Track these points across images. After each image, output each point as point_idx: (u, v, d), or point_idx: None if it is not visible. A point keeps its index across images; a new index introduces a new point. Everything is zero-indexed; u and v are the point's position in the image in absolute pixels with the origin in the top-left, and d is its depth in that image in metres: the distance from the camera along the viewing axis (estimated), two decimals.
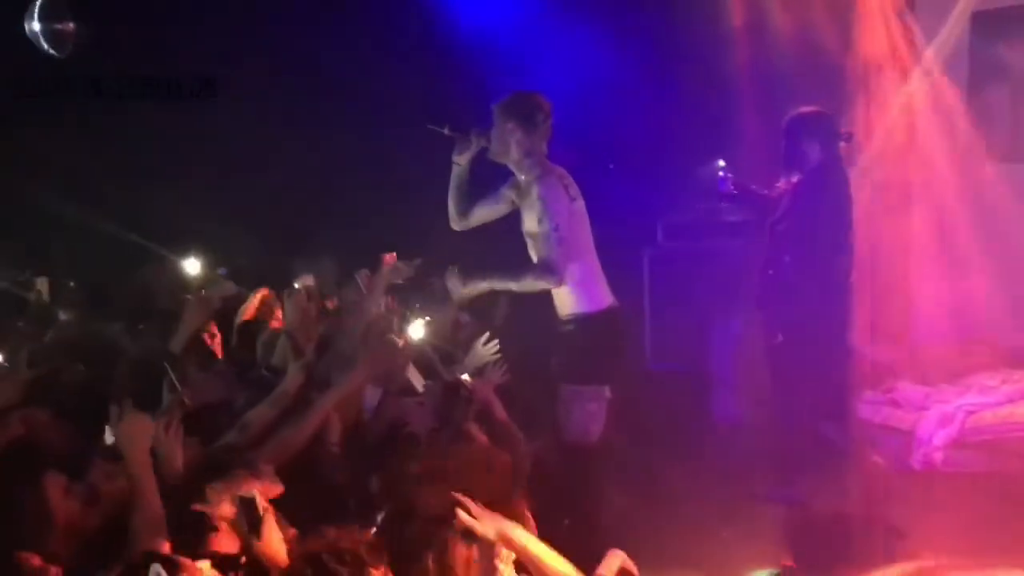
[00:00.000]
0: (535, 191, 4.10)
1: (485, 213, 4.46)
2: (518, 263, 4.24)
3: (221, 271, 5.51)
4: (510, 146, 4.20)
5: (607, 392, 4.29)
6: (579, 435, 4.23)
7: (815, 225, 5.14)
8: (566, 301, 4.26)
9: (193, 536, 2.64)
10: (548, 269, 4.02)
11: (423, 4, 7.03)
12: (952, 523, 4.92)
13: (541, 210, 4.05)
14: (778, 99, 6.73)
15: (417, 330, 4.32)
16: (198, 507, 2.66)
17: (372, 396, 3.98)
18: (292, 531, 2.79)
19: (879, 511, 4.98)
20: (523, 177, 4.21)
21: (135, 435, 2.76)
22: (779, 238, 5.29)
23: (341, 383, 3.58)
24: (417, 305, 5.16)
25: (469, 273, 4.21)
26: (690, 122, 6.89)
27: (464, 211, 4.49)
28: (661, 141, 6.75)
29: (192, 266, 5.19)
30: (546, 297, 4.30)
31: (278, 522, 2.73)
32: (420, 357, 4.44)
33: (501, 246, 4.54)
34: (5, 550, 2.53)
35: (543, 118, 4.19)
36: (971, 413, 5.75)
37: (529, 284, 4.10)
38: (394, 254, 4.89)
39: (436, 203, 4.48)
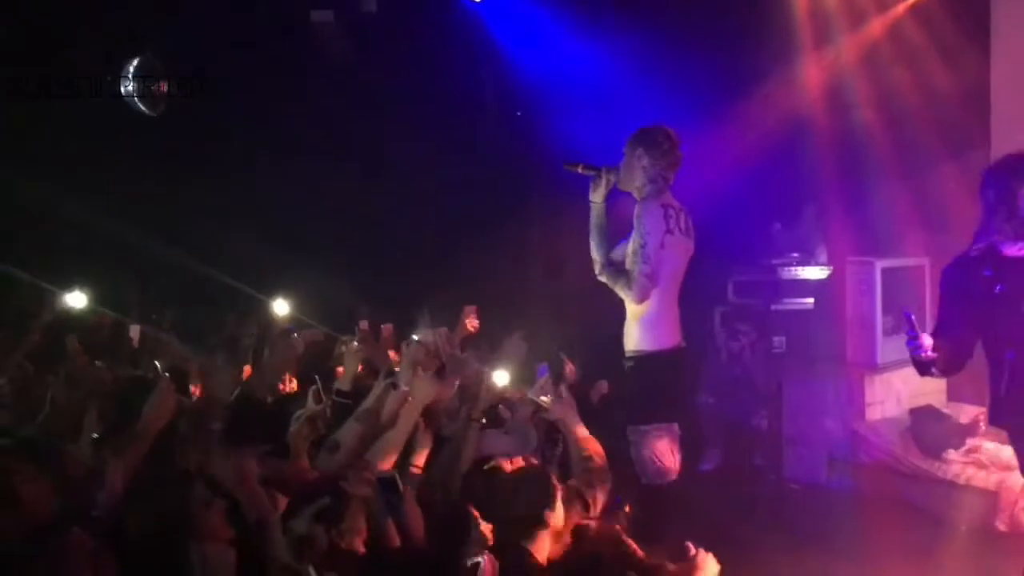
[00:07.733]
0: (638, 209, 4.18)
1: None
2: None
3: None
4: (636, 172, 4.27)
5: (676, 429, 4.26)
6: (655, 474, 4.20)
7: None
8: (632, 337, 4.27)
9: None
10: (637, 281, 4.09)
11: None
12: None
13: (637, 226, 4.13)
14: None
15: (502, 377, 4.31)
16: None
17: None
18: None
19: None
20: (639, 202, 4.25)
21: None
22: None
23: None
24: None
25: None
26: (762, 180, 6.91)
27: (606, 255, 4.38)
28: (733, 198, 6.73)
29: (280, 307, 5.40)
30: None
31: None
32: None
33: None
34: None
35: (670, 146, 4.25)
36: None
37: (619, 285, 4.18)
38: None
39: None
